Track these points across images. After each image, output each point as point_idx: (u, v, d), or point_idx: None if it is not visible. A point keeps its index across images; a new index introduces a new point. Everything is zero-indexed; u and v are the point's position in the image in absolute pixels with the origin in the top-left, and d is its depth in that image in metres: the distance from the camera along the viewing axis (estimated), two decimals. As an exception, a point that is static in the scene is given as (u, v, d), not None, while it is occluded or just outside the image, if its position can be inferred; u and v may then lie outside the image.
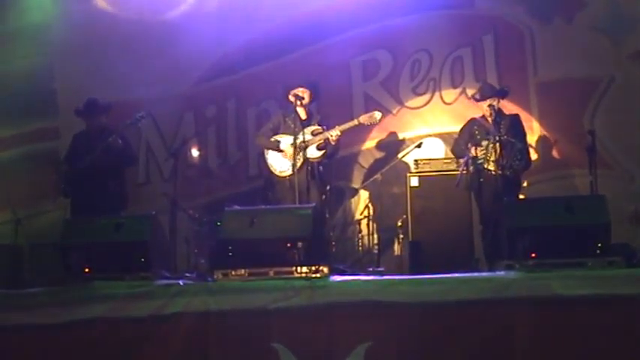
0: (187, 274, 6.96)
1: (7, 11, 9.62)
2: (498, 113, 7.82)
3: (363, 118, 7.89)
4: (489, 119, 7.73)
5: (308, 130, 7.82)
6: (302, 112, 7.99)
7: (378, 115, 7.92)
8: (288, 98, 8.03)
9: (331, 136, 7.77)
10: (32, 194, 9.13)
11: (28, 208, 8.74)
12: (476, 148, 7.71)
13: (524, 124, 8.34)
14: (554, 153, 8.79)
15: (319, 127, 7.89)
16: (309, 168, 7.80)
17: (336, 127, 7.82)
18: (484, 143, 7.69)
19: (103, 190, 7.72)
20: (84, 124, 8.22)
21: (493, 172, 7.59)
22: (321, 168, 7.91)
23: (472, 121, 7.98)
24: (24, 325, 6.22)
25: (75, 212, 7.84)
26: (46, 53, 9.59)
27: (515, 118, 8.02)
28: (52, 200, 8.44)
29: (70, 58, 9.55)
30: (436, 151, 8.92)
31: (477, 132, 7.81)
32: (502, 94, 7.97)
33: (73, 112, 8.31)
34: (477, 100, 7.98)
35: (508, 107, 8.29)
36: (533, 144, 8.72)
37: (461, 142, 7.98)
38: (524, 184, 7.98)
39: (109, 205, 7.58)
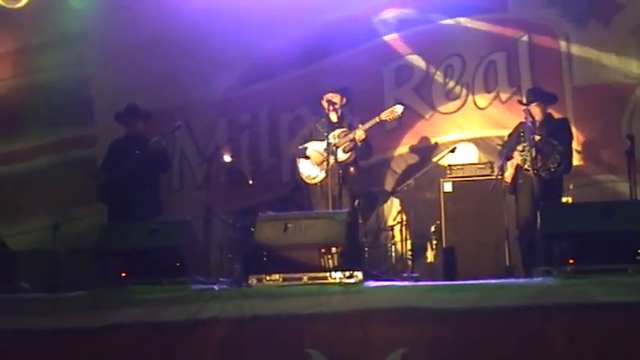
0: (222, 279, 6.98)
1: (45, 21, 9.72)
2: (547, 117, 7.75)
3: (385, 115, 7.79)
4: (531, 122, 7.63)
5: (336, 132, 7.80)
6: (334, 117, 7.98)
7: (399, 108, 7.79)
8: (321, 104, 8.03)
9: (356, 135, 7.72)
10: (69, 200, 9.22)
11: (65, 213, 8.81)
12: (513, 152, 7.63)
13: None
14: (597, 157, 8.70)
15: (345, 129, 7.85)
16: (341, 172, 7.76)
17: (360, 126, 7.77)
18: (519, 147, 7.61)
19: (139, 196, 7.77)
20: (121, 131, 8.29)
21: (531, 175, 7.49)
22: (352, 169, 7.85)
23: (521, 124, 7.83)
24: (61, 328, 6.27)
25: (111, 218, 7.91)
26: (83, 62, 9.67)
27: (563, 122, 7.93)
28: (89, 205, 8.50)
29: (107, 66, 9.63)
30: (469, 156, 8.88)
31: (522, 135, 7.69)
32: (548, 100, 7.86)
33: (109, 119, 8.39)
34: (523, 104, 7.86)
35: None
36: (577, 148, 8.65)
37: (507, 145, 7.88)
38: (570, 186, 7.89)
39: (144, 211, 7.62)
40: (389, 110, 7.81)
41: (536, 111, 7.70)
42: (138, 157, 7.84)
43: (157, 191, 8.11)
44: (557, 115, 8.01)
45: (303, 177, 7.99)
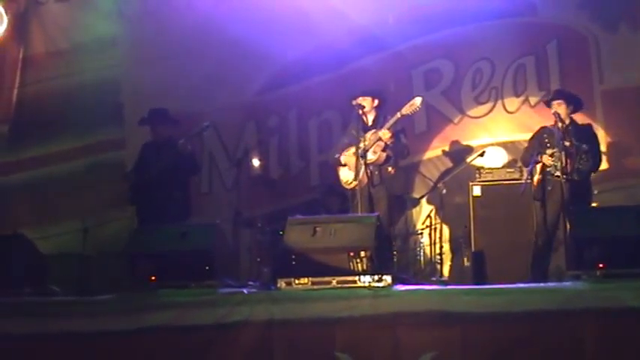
0: (251, 283, 7.00)
1: (75, 25, 9.83)
2: (571, 123, 7.66)
3: (405, 109, 7.65)
4: (560, 126, 7.55)
5: (367, 135, 7.74)
6: (367, 119, 7.90)
7: (418, 100, 7.64)
8: (353, 107, 7.98)
9: (381, 136, 7.65)
10: (99, 203, 9.30)
11: (95, 217, 8.89)
12: (542, 156, 7.49)
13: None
14: (627, 161, 8.62)
15: (375, 130, 7.73)
16: (376, 173, 7.70)
17: (385, 125, 7.69)
18: (549, 151, 7.48)
19: (168, 199, 7.81)
20: (149, 135, 8.34)
21: (560, 180, 7.39)
22: (390, 169, 7.75)
23: (543, 129, 7.77)
24: (89, 332, 6.29)
25: (141, 221, 7.95)
26: (113, 66, 9.76)
27: (588, 127, 7.82)
28: (118, 208, 8.56)
29: (136, 70, 9.71)
30: (499, 159, 8.83)
31: (546, 140, 7.61)
32: (573, 101, 7.77)
33: (138, 123, 8.44)
34: (547, 101, 7.80)
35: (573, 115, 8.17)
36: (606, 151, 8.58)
37: (530, 150, 7.78)
38: (595, 191, 7.81)
39: (173, 214, 7.66)
40: (408, 104, 7.67)
41: (561, 109, 7.60)
42: (166, 160, 7.88)
43: (187, 194, 8.14)
44: (580, 122, 7.85)
45: (343, 183, 7.91)
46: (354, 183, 7.63)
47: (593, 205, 7.61)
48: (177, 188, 7.96)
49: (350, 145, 7.82)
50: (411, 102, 7.67)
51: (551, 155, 7.45)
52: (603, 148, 8.51)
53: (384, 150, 7.69)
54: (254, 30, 9.37)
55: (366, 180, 7.60)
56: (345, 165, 7.84)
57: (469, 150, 9.03)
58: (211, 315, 6.15)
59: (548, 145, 7.56)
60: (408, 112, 7.68)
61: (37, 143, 9.86)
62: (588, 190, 7.63)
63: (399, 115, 7.66)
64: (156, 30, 9.65)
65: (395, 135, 7.67)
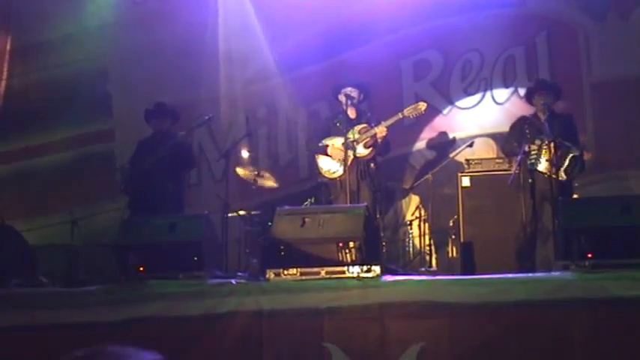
0: (240, 274, 6.99)
1: (64, 16, 9.79)
2: (551, 112, 7.63)
3: (408, 111, 7.66)
4: (542, 117, 7.52)
5: (356, 128, 7.75)
6: (352, 112, 7.91)
7: (422, 105, 7.67)
8: (338, 98, 7.99)
9: (377, 132, 7.68)
10: (88, 195, 9.27)
11: (83, 208, 8.86)
12: (529, 146, 7.41)
13: (578, 123, 8.26)
14: (616, 152, 8.60)
15: (366, 125, 7.78)
16: (361, 167, 7.72)
17: (382, 122, 7.69)
18: (537, 142, 7.41)
19: (162, 192, 7.76)
20: (139, 126, 8.28)
21: (544, 173, 7.38)
22: (372, 165, 7.80)
23: (522, 119, 7.74)
24: (79, 323, 6.29)
25: (134, 212, 7.90)
26: (101, 57, 9.73)
27: (569, 118, 7.79)
28: (107, 200, 8.53)
29: (125, 61, 9.68)
30: (488, 150, 8.84)
31: (527, 130, 7.52)
32: (554, 92, 7.77)
33: (127, 114, 8.41)
34: (527, 96, 7.82)
35: (561, 106, 8.17)
36: (588, 144, 8.56)
37: (511, 140, 7.71)
38: (576, 184, 7.79)
39: (167, 207, 7.63)
40: (412, 107, 7.69)
41: (547, 100, 7.58)
42: (162, 152, 7.82)
43: (181, 188, 8.11)
44: (559, 111, 7.77)
45: (323, 172, 7.92)
46: (338, 174, 7.64)
47: (575, 196, 7.59)
48: (172, 181, 7.91)
49: (329, 135, 7.81)
50: (416, 105, 7.68)
51: (538, 147, 7.40)
52: (591, 139, 8.55)
53: (372, 146, 7.69)
54: (243, 22, 9.35)
55: (353, 172, 7.59)
56: (329, 155, 7.81)
57: (458, 141, 9.02)
58: (200, 306, 6.15)
59: (529, 135, 7.48)
60: (410, 114, 7.67)
61: (26, 135, 9.83)
62: (570, 183, 7.60)
63: (400, 115, 7.66)
64: (144, 20, 9.62)
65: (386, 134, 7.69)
